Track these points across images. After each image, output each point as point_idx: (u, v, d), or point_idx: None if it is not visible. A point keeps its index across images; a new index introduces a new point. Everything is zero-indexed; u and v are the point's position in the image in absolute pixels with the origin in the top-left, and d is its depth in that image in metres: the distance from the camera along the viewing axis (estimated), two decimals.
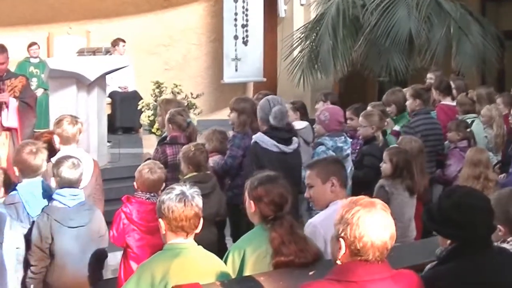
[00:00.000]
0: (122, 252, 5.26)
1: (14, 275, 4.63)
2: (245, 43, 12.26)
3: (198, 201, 3.44)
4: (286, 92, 11.75)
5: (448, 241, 3.13)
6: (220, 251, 4.32)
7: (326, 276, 2.66)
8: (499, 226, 3.43)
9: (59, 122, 5.54)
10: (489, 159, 6.20)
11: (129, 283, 3.43)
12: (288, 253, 3.54)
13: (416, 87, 7.41)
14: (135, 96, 11.57)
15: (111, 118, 10.67)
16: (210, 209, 5.15)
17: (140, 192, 5.15)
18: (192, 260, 3.39)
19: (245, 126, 6.38)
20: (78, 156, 5.08)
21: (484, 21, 11.18)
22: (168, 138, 6.30)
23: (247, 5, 12.21)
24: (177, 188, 3.44)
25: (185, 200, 3.39)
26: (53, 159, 5.09)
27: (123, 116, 11.58)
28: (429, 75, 8.95)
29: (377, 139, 6.46)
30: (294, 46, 11.26)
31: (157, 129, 10.21)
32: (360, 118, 6.56)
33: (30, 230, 4.71)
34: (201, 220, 3.47)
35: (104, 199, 5.78)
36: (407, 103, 7.20)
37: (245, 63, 12.29)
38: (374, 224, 2.58)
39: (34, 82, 11.01)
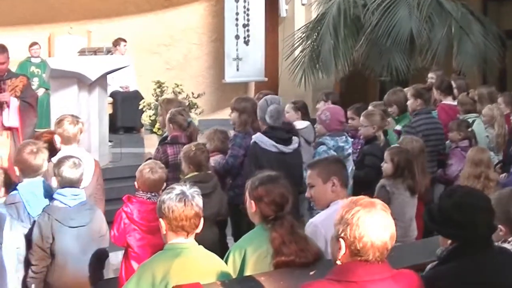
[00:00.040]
0: (123, 251, 5.26)
1: (15, 274, 4.63)
2: (246, 42, 12.25)
3: (198, 200, 3.44)
4: (288, 91, 11.75)
5: (449, 241, 3.13)
6: (222, 250, 4.33)
7: (326, 276, 2.66)
8: (499, 226, 3.42)
9: (60, 122, 5.54)
10: (490, 158, 6.20)
11: (130, 283, 3.43)
12: (289, 253, 3.53)
13: (417, 86, 7.40)
14: (136, 96, 11.56)
15: (112, 118, 10.67)
16: (211, 209, 5.16)
17: (141, 192, 5.15)
18: (193, 259, 3.39)
19: (246, 126, 6.39)
20: (79, 156, 5.08)
21: (486, 20, 11.15)
22: (169, 138, 6.31)
23: (248, 4, 12.20)
24: (177, 188, 3.44)
25: (185, 199, 3.38)
26: (54, 159, 5.09)
27: (124, 116, 11.58)
28: (430, 75, 8.95)
29: (378, 138, 6.45)
30: (295, 45, 11.24)
31: (158, 129, 10.21)
32: (361, 118, 6.55)
33: (31, 230, 4.72)
34: (202, 220, 3.47)
35: (105, 199, 5.78)
36: (408, 102, 7.18)
37: (247, 62, 12.27)
38: (374, 224, 2.58)
39: (35, 82, 11.01)
